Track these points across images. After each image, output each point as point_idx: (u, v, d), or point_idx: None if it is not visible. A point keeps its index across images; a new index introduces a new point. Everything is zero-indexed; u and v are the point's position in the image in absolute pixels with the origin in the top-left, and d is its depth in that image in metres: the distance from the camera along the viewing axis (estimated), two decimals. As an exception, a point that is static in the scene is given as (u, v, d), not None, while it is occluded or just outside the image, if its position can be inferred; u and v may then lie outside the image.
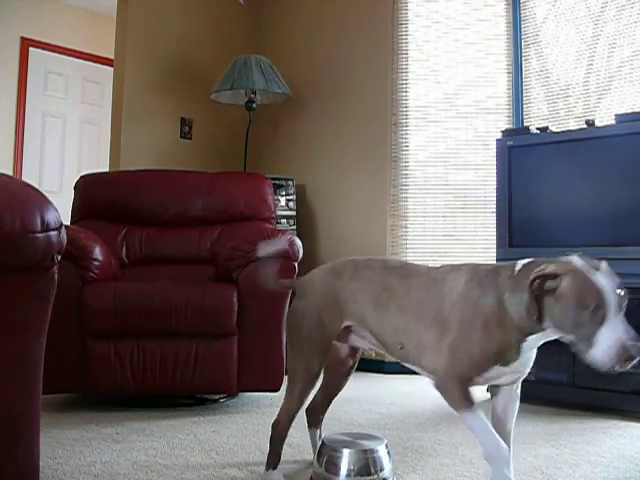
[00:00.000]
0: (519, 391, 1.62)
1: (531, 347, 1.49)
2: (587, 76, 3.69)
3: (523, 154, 3.10)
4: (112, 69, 4.36)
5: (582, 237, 2.88)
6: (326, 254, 4.19)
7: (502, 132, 3.26)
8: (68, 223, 3.19)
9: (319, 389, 1.95)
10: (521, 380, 1.59)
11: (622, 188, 2.81)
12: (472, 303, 1.49)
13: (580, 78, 3.71)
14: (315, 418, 1.97)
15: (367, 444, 1.75)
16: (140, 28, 4.24)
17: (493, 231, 3.25)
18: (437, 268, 1.68)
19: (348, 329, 1.78)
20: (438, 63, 4.13)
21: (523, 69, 3.95)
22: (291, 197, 4.27)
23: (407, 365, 1.68)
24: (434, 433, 2.35)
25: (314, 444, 1.96)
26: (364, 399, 3.02)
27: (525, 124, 3.81)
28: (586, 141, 2.94)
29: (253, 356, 2.72)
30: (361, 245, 4.14)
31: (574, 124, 3.63)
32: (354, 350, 1.92)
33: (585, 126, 2.98)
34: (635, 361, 1.31)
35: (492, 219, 3.33)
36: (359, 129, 4.28)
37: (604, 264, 1.39)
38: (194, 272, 3.16)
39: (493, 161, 3.25)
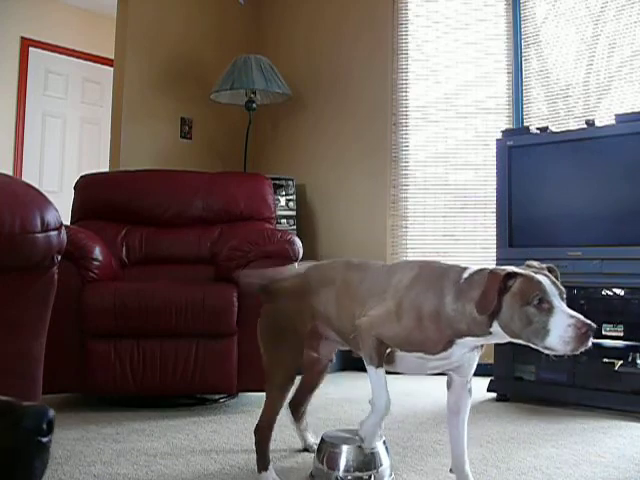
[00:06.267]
0: (471, 387, 1.69)
1: (464, 346, 1.56)
2: (587, 76, 3.69)
3: (523, 154, 3.10)
4: (112, 69, 4.36)
5: (582, 237, 2.89)
6: (326, 254, 4.19)
7: (502, 132, 3.26)
8: (68, 223, 3.19)
9: (298, 386, 2.05)
10: (471, 376, 1.67)
11: (622, 188, 2.81)
12: (413, 295, 1.56)
13: (580, 78, 3.71)
14: (297, 412, 2.09)
15: None
16: (140, 28, 4.24)
17: (493, 231, 3.25)
18: (393, 264, 1.82)
19: (317, 333, 1.87)
20: (438, 63, 4.13)
21: (523, 69, 3.95)
22: (291, 197, 4.27)
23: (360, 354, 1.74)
24: (434, 433, 2.35)
25: (301, 437, 2.11)
26: (364, 399, 3.00)
27: (525, 124, 3.81)
28: (586, 141, 2.94)
29: (253, 356, 2.70)
30: (361, 245, 4.14)
31: (574, 124, 3.63)
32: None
33: (585, 126, 2.97)
34: (590, 341, 1.35)
35: (492, 219, 3.33)
36: (359, 129, 4.28)
37: (547, 268, 1.50)
38: (194, 272, 3.16)
39: (493, 161, 3.25)
